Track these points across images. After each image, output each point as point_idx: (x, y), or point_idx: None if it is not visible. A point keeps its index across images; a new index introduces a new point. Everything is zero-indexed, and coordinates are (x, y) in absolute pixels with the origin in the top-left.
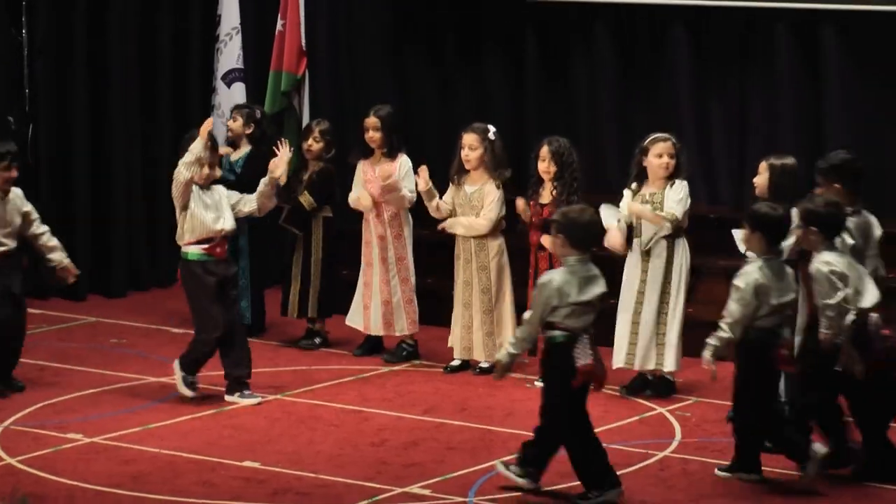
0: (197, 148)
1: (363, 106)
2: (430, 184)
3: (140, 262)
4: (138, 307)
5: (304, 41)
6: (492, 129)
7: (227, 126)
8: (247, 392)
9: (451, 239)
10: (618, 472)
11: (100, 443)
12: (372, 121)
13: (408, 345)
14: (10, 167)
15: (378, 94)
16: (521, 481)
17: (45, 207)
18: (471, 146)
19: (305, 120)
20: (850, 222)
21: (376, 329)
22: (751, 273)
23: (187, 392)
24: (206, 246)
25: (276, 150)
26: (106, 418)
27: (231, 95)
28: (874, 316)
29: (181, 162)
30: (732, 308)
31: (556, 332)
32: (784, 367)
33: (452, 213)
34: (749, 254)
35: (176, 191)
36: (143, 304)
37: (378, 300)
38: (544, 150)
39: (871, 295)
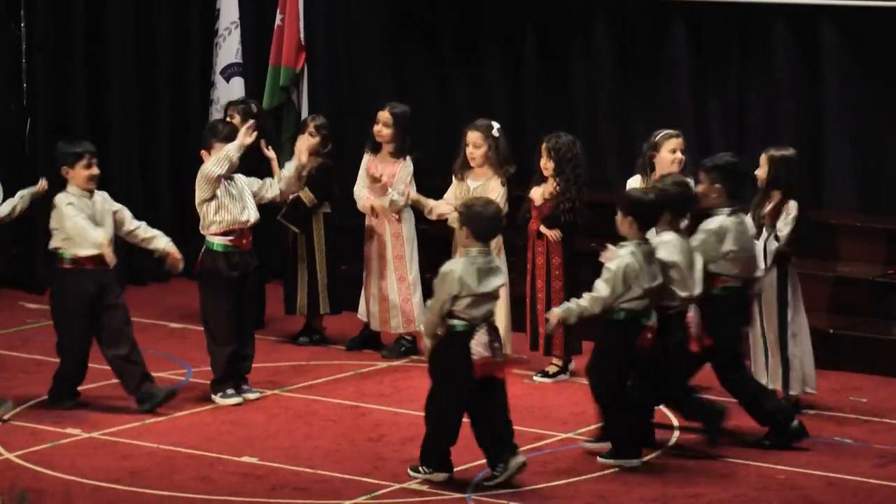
0: (232, 150)
1: (362, 101)
2: (420, 197)
3: (138, 257)
4: (136, 302)
5: (303, 36)
6: (496, 125)
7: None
8: (229, 392)
9: (450, 235)
10: (614, 470)
11: (97, 438)
12: (385, 115)
13: (406, 340)
14: (91, 164)
15: (376, 90)
16: (436, 476)
17: (41, 204)
18: (475, 144)
19: (304, 114)
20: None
21: (374, 324)
22: (623, 257)
23: (238, 399)
24: (231, 237)
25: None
26: (104, 413)
27: (230, 90)
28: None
29: (213, 159)
30: (600, 287)
31: (457, 321)
32: (644, 351)
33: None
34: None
35: (205, 184)
36: (140, 299)
37: (375, 297)
38: (543, 147)
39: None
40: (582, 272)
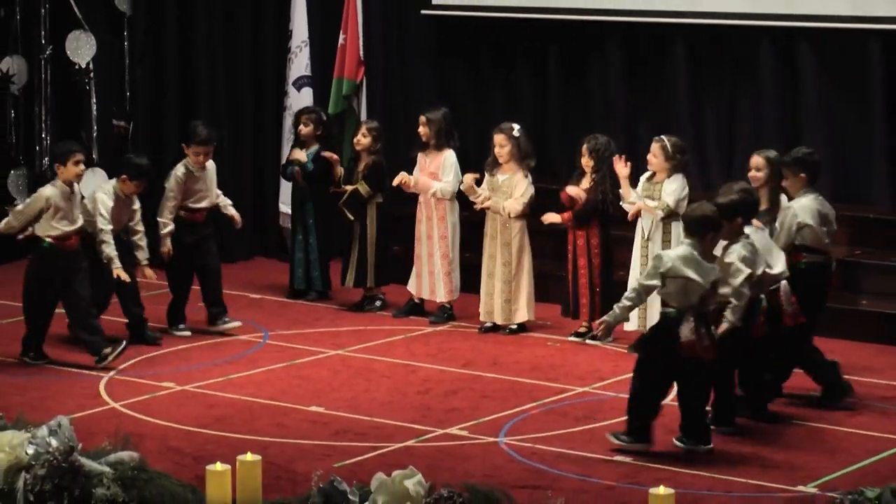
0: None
1: (412, 107)
2: (472, 185)
3: (224, 237)
4: (225, 277)
5: (362, 52)
6: (516, 127)
7: (299, 129)
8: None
9: (484, 220)
10: (625, 418)
11: (189, 390)
12: (422, 119)
13: (448, 307)
14: (79, 162)
15: (424, 98)
16: (635, 446)
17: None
18: (500, 144)
19: (363, 119)
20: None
21: (423, 293)
22: (738, 250)
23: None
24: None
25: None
26: (194, 370)
27: (300, 98)
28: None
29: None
30: (743, 290)
31: (669, 309)
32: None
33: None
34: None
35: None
36: (226, 273)
37: (425, 270)
38: (584, 147)
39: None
40: (618, 254)
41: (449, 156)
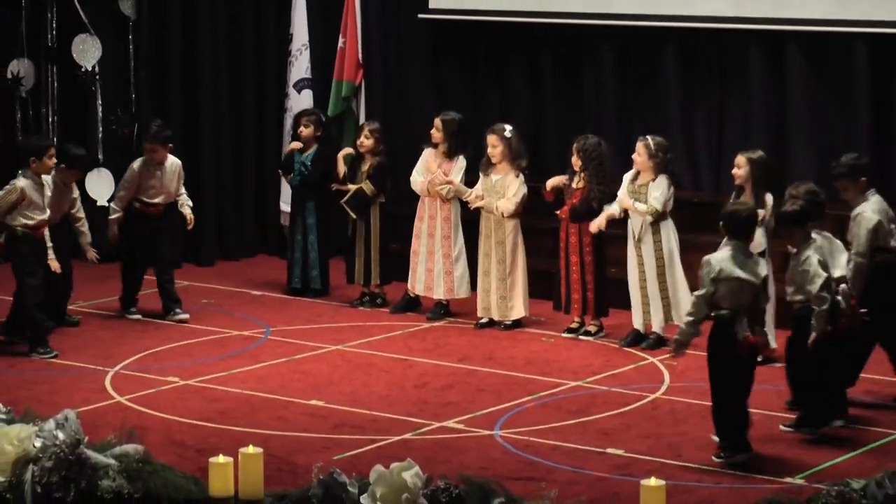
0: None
1: (410, 108)
2: (460, 186)
3: (227, 235)
4: (224, 273)
5: (360, 55)
6: (508, 127)
7: (299, 131)
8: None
9: (478, 218)
10: (617, 412)
11: (192, 385)
12: (437, 121)
13: (444, 303)
14: (52, 156)
15: (421, 100)
16: (738, 457)
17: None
18: (493, 145)
19: (362, 120)
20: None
21: (419, 290)
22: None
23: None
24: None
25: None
26: (197, 364)
27: (301, 100)
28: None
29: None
30: (817, 280)
31: (723, 311)
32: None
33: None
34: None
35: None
36: (228, 270)
37: (423, 268)
38: (574, 147)
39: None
40: (608, 251)
41: (461, 162)
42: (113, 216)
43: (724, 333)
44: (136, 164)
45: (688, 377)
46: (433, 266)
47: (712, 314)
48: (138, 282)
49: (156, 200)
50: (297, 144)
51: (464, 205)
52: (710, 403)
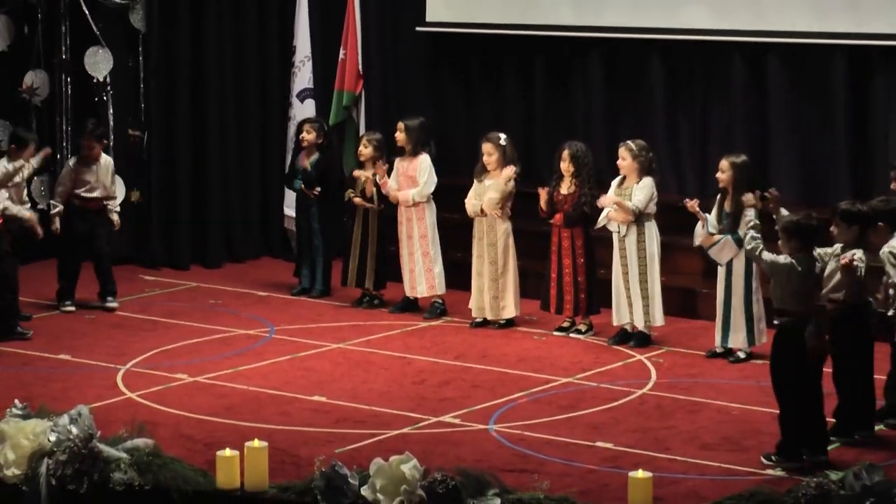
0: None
1: (408, 118)
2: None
3: (233, 238)
4: (231, 274)
5: (361, 66)
6: (502, 136)
7: (301, 137)
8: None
9: (472, 222)
10: (606, 407)
11: (200, 381)
12: (399, 126)
13: (439, 304)
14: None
15: (418, 108)
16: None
17: (156, 197)
18: (488, 153)
19: (362, 129)
20: None
21: (407, 290)
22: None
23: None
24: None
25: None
26: (205, 362)
27: (303, 109)
28: None
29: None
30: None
31: (786, 318)
32: None
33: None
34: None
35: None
36: (234, 272)
37: (407, 268)
38: (565, 153)
39: None
40: (596, 252)
41: (424, 159)
42: (54, 211)
43: (791, 340)
44: (72, 161)
45: (674, 374)
46: (414, 266)
47: (775, 322)
48: (75, 275)
49: (93, 195)
50: (306, 163)
51: (462, 210)
52: (695, 399)
